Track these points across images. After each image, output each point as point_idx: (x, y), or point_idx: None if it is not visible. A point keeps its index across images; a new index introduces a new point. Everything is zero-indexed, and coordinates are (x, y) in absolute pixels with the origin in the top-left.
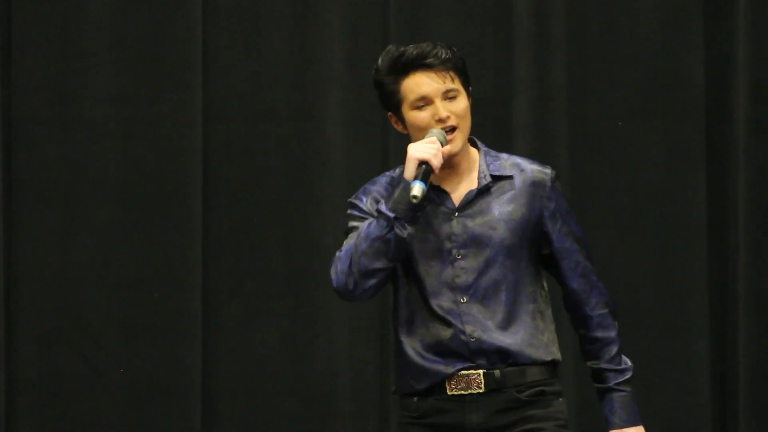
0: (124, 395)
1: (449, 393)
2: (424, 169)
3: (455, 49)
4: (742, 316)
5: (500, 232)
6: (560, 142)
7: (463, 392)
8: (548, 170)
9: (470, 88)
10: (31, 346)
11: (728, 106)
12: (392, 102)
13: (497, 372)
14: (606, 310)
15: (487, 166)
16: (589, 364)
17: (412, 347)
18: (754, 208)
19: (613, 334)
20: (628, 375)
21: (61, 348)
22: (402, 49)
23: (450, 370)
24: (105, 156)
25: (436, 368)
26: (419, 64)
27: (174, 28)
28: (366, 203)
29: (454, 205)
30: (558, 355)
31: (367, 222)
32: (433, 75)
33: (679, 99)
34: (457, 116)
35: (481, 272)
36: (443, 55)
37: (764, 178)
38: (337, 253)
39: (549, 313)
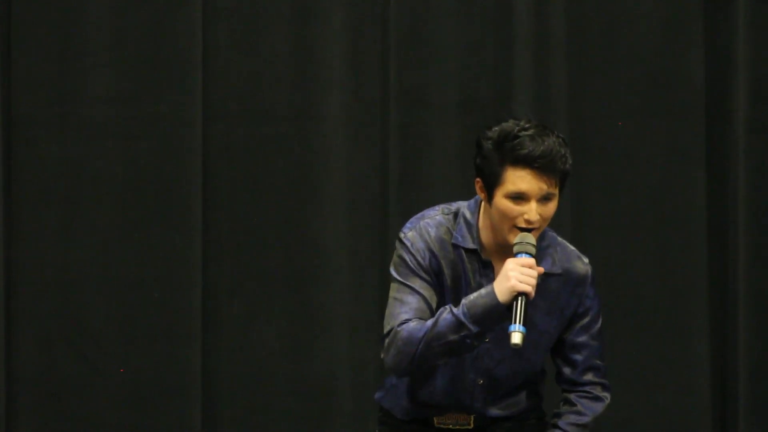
0: (124, 395)
1: (436, 425)
2: (523, 302)
3: (569, 158)
4: (742, 316)
5: (530, 328)
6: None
7: (450, 426)
8: (588, 265)
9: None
10: (31, 346)
11: (728, 106)
12: (489, 179)
13: (488, 419)
14: (604, 394)
15: (539, 259)
16: (561, 399)
17: (411, 389)
18: (754, 208)
19: (591, 414)
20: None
21: (61, 348)
22: (522, 133)
23: (441, 413)
24: (105, 156)
25: (428, 412)
26: (534, 164)
27: (174, 28)
28: (425, 259)
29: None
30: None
31: (442, 317)
32: (542, 177)
33: (679, 99)
34: (544, 220)
35: (503, 362)
36: (559, 166)
37: (764, 178)
38: (396, 327)
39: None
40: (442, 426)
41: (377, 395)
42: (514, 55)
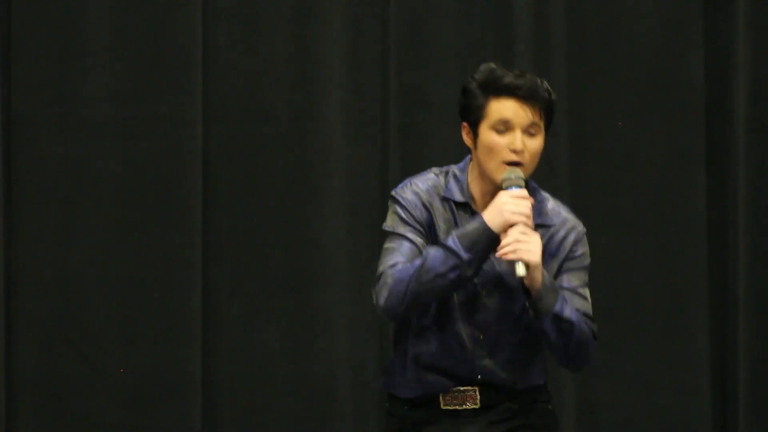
0: (124, 395)
1: (443, 407)
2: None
3: (552, 92)
4: (742, 316)
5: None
6: (560, 142)
7: (457, 407)
8: (580, 225)
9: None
10: (31, 346)
11: (728, 106)
12: (473, 114)
13: (493, 390)
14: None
15: (532, 209)
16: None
17: (414, 358)
18: (754, 208)
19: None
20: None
21: (61, 348)
22: (505, 71)
23: (447, 387)
24: (105, 156)
25: (434, 384)
26: (516, 92)
27: (174, 28)
28: (416, 210)
29: None
30: (547, 372)
31: (431, 252)
32: (524, 106)
33: (679, 99)
34: (530, 154)
35: (502, 314)
36: (541, 93)
37: (764, 179)
38: (387, 270)
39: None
40: (449, 408)
41: (379, 382)
42: (514, 55)
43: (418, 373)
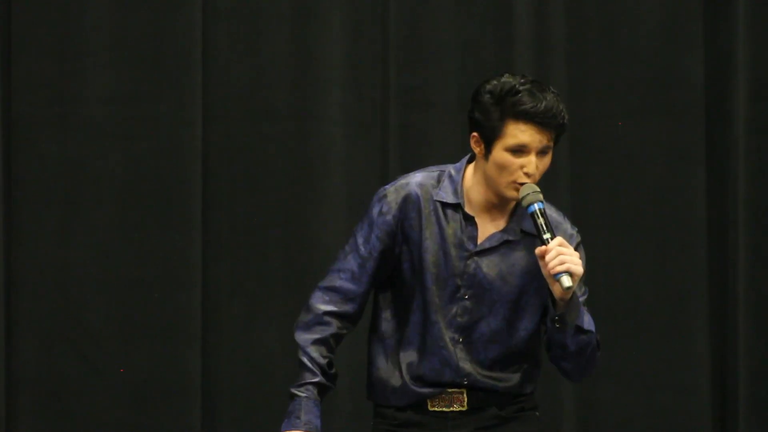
0: (124, 395)
1: (430, 409)
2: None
3: (564, 109)
4: (742, 316)
5: (509, 287)
6: (560, 141)
7: (445, 409)
8: (575, 233)
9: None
10: (31, 346)
11: (728, 106)
12: (488, 131)
13: (480, 393)
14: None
15: (522, 218)
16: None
17: (397, 366)
18: (754, 208)
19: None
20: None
21: (61, 348)
22: (522, 88)
23: (434, 392)
24: (105, 156)
25: (420, 392)
26: (535, 118)
27: (174, 28)
28: (388, 213)
29: (476, 243)
30: (536, 380)
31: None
32: (542, 130)
33: (679, 99)
34: (540, 173)
35: (482, 318)
36: (559, 120)
37: (764, 178)
38: (315, 291)
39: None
40: (436, 409)
41: (367, 393)
42: (514, 55)
43: (400, 382)
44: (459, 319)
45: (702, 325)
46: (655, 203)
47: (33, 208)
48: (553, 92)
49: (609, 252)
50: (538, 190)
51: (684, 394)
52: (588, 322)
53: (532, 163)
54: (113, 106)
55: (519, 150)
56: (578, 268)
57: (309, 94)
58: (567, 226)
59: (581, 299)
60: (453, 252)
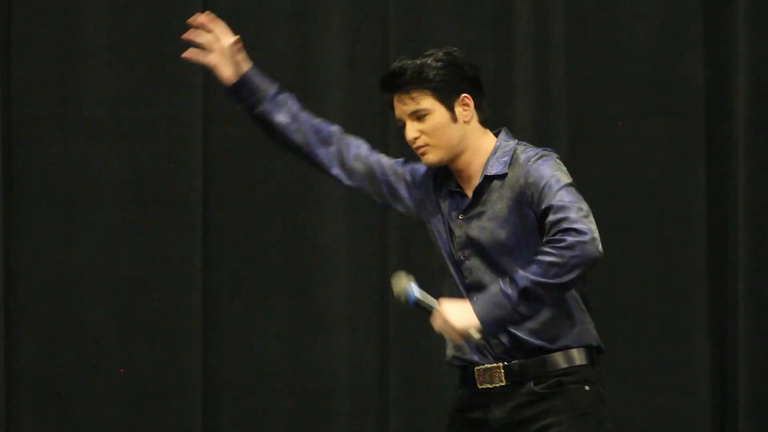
0: (124, 395)
1: (479, 387)
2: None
3: (432, 63)
4: (742, 316)
5: (490, 232)
6: (560, 142)
7: (489, 386)
8: (531, 152)
9: (462, 96)
10: (31, 346)
11: (728, 106)
12: None
13: (515, 364)
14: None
15: (488, 165)
16: None
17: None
18: (754, 208)
19: (546, 258)
20: (519, 287)
21: (61, 348)
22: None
23: (475, 361)
24: (105, 156)
25: (464, 349)
26: (387, 88)
27: (174, 29)
28: (412, 173)
29: (461, 208)
30: (591, 341)
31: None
32: (400, 97)
33: (679, 99)
34: (428, 134)
35: (486, 270)
36: (405, 77)
37: (764, 178)
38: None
39: (572, 296)
40: (484, 387)
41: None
42: (514, 55)
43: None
44: (466, 280)
45: (702, 325)
46: (655, 203)
47: (33, 208)
48: (427, 55)
49: (609, 252)
50: (402, 279)
51: (684, 394)
52: (517, 281)
53: (409, 132)
54: (113, 106)
55: (401, 124)
56: (464, 322)
57: (309, 94)
58: (526, 154)
59: (562, 199)
60: (450, 223)
